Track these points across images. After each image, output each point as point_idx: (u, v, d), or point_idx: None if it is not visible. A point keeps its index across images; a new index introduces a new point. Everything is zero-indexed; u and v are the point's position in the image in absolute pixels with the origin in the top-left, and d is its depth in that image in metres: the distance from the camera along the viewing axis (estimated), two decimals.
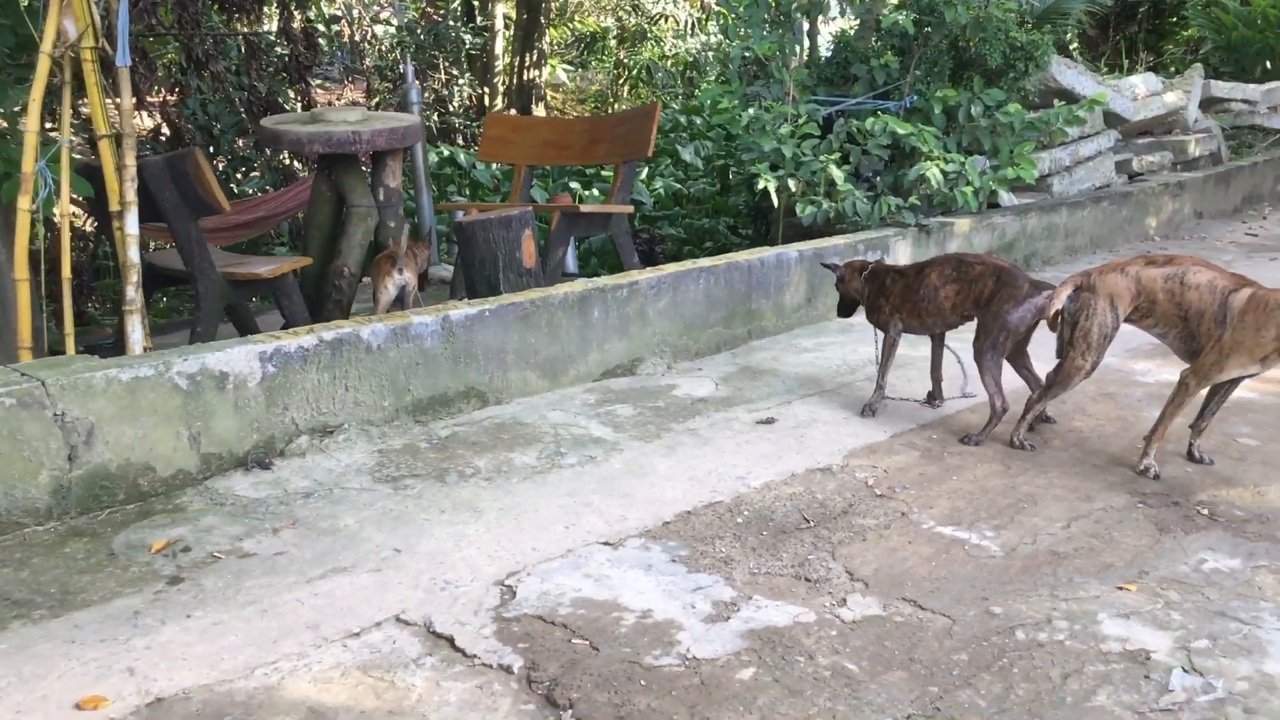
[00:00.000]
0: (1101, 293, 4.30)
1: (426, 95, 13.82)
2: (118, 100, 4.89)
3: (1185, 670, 2.99)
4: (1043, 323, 4.53)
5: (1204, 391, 4.33)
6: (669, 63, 17.69)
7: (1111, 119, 9.60)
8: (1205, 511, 4.01)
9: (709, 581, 3.47)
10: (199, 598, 3.34)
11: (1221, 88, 11.92)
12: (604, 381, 5.46)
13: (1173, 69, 14.05)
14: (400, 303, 5.79)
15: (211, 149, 9.41)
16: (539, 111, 15.19)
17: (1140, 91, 10.27)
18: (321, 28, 13.25)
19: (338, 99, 15.69)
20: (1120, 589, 3.43)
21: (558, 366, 5.32)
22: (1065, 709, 2.82)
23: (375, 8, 15.24)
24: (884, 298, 4.98)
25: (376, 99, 14.49)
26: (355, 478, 4.27)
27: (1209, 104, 11.82)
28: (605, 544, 3.73)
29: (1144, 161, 10.18)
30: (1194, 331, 4.17)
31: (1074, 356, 4.39)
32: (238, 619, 3.22)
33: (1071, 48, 14.37)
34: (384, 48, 15.62)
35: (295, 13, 10.01)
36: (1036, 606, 3.32)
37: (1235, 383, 4.30)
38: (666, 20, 18.38)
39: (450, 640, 3.12)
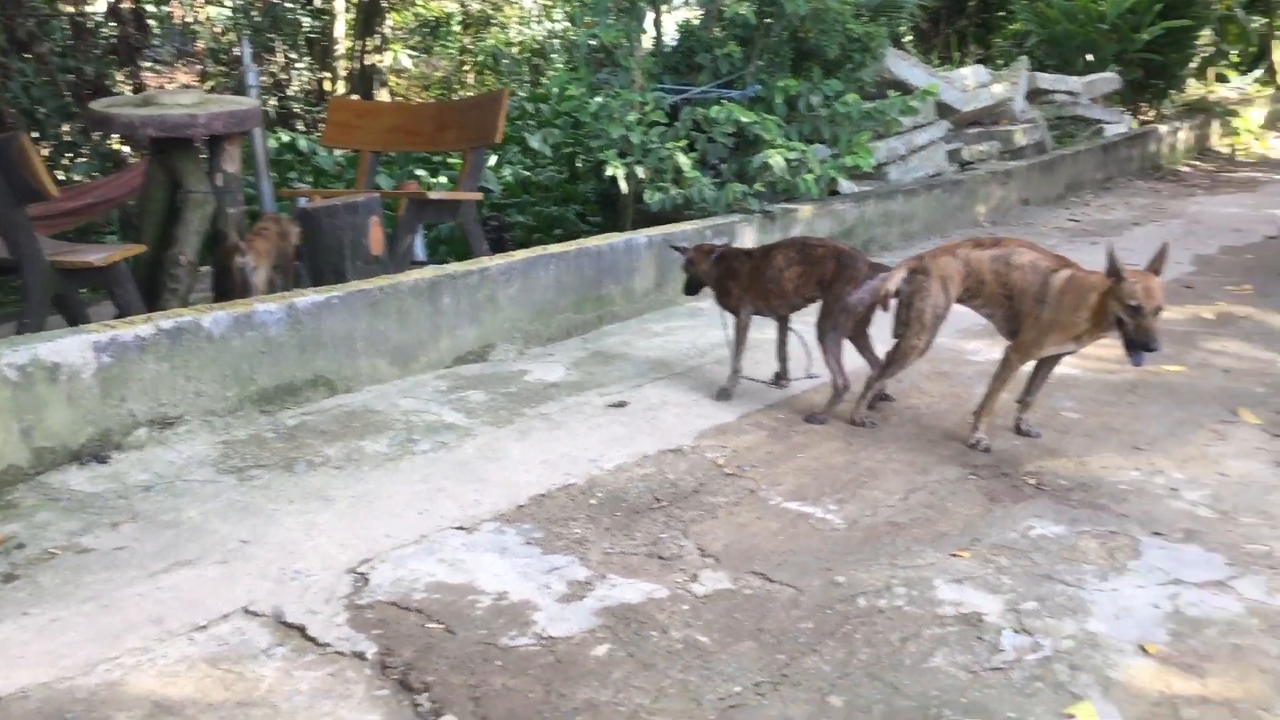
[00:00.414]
0: (934, 274, 4.49)
1: (265, 79, 13.43)
2: None
3: (1015, 631, 3.16)
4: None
5: (1029, 368, 4.56)
6: (515, 49, 17.59)
7: (943, 109, 9.98)
8: (1032, 481, 4.23)
9: (564, 562, 3.52)
10: (35, 595, 3.22)
11: (1046, 80, 12.49)
12: (456, 368, 5.44)
13: (1000, 62, 14.64)
14: (247, 286, 5.62)
15: (36, 134, 8.97)
16: (382, 97, 14.93)
17: (970, 83, 10.70)
18: (151, 8, 12.75)
19: (169, 83, 15.12)
20: (954, 556, 3.60)
21: (408, 353, 5.28)
22: (904, 671, 2.95)
23: None
24: (733, 281, 5.09)
25: (211, 83, 14.01)
26: (198, 470, 4.16)
27: (1034, 95, 12.37)
28: (459, 529, 3.74)
29: (974, 151, 10.61)
30: (1017, 311, 4.39)
31: (909, 336, 4.57)
32: (77, 615, 3.12)
33: (905, 40, 14.83)
34: (217, 30, 15.11)
35: None
36: (877, 575, 3.47)
37: (1056, 360, 4.54)
38: (512, 6, 18.26)
39: (301, 630, 3.09)
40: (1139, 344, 3.88)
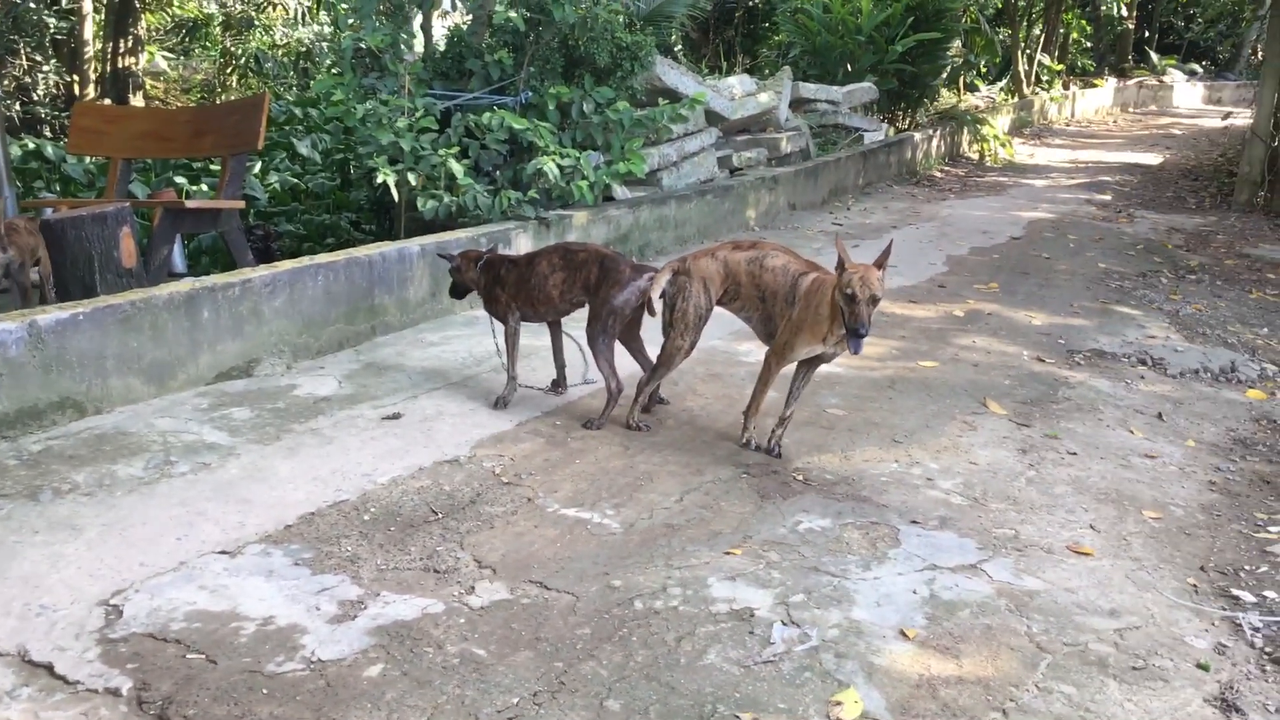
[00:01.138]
0: (695, 276, 4.59)
1: (6, 83, 12.54)
2: None
3: (784, 623, 3.26)
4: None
5: (791, 372, 4.68)
6: (280, 52, 17.02)
7: (713, 117, 10.24)
8: (800, 478, 4.38)
9: (334, 582, 3.41)
10: None
11: (809, 89, 13.00)
12: (218, 384, 5.20)
13: (766, 71, 15.14)
14: (10, 279, 5.24)
15: None
16: (138, 101, 14.17)
17: (737, 92, 11.01)
18: None
19: None
20: (728, 554, 3.68)
21: (165, 371, 5.01)
22: (680, 670, 3.00)
23: None
24: (500, 287, 5.05)
25: None
26: None
27: (798, 104, 12.86)
28: (222, 553, 3.57)
29: (743, 157, 10.93)
30: (771, 313, 4.52)
31: (674, 337, 4.66)
32: None
33: (676, 49, 15.16)
34: None
35: None
36: (653, 576, 3.51)
37: (812, 368, 4.64)
38: (275, 8, 17.66)
39: (49, 668, 2.89)
40: (851, 329, 4.04)
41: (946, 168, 15.33)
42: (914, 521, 3.99)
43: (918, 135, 14.80)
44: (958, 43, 17.82)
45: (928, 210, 11.74)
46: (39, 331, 4.49)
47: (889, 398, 5.39)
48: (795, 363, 4.56)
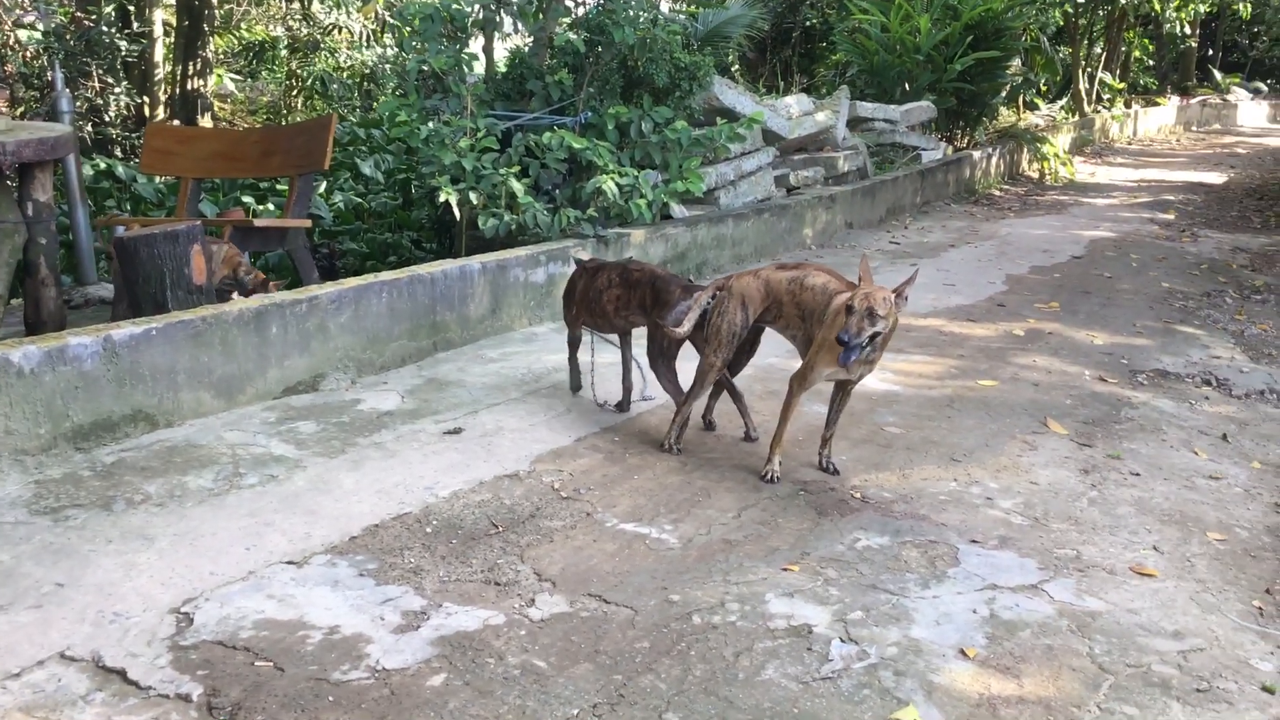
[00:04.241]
0: (735, 294, 4.61)
1: (80, 104, 12.87)
2: None
3: (843, 640, 3.27)
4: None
5: (831, 396, 4.64)
6: (344, 74, 17.31)
7: (770, 137, 10.27)
8: (858, 495, 4.38)
9: (398, 593, 3.47)
10: None
11: (866, 108, 12.98)
12: (285, 399, 5.31)
13: (823, 90, 15.14)
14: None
15: None
16: (206, 122, 14.48)
17: (794, 111, 11.04)
18: None
19: None
20: (785, 570, 3.70)
21: (234, 385, 5.12)
22: (738, 685, 3.02)
23: (18, 11, 14.05)
24: (572, 294, 5.16)
25: (22, 108, 13.36)
26: (9, 511, 3.95)
27: (855, 123, 12.85)
28: (289, 563, 3.65)
29: (800, 176, 10.94)
30: (811, 333, 4.49)
31: (706, 354, 4.68)
32: None
33: (733, 69, 15.21)
34: (28, 54, 14.41)
35: None
36: (711, 591, 3.54)
37: (847, 390, 4.58)
38: (340, 31, 17.98)
39: (122, 673, 2.97)
40: (838, 338, 4.05)
41: (1006, 186, 15.22)
42: (973, 541, 3.98)
43: (976, 154, 14.71)
44: (1017, 61, 17.68)
45: (987, 229, 11.66)
46: (114, 346, 4.62)
47: (948, 416, 5.37)
48: (816, 385, 4.52)
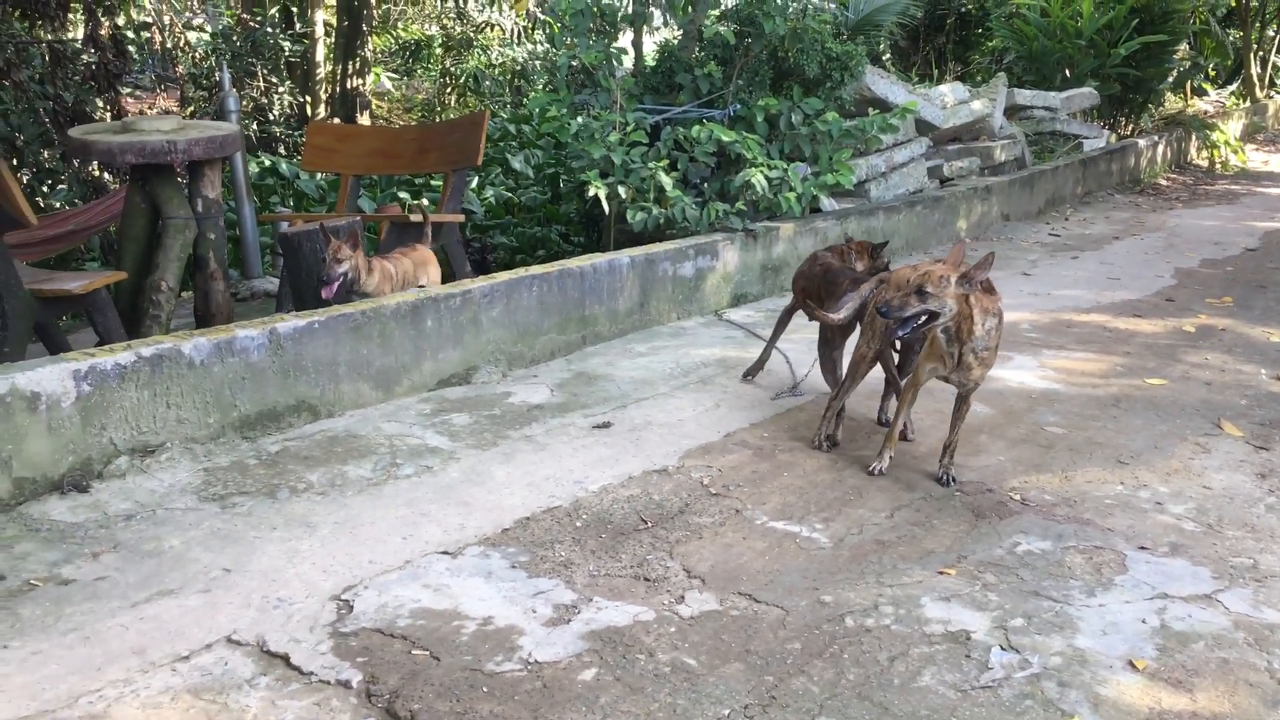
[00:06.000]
0: (892, 285, 4.48)
1: (245, 104, 13.42)
2: None
3: (1003, 648, 3.16)
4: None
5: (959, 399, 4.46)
6: (496, 71, 17.62)
7: (923, 127, 10.02)
8: (1017, 497, 4.23)
9: (549, 585, 3.49)
10: (16, 627, 3.18)
11: (1024, 95, 12.56)
12: (439, 391, 5.42)
13: (979, 78, 14.71)
14: (343, 289, 5.47)
15: (15, 161, 8.91)
16: (364, 120, 14.92)
17: (949, 100, 10.75)
18: (131, 35, 12.71)
19: (149, 108, 15.09)
20: (941, 573, 3.60)
21: (391, 377, 5.25)
22: (893, 690, 2.94)
23: (187, 14, 14.71)
24: (796, 281, 5.33)
25: (192, 108, 14.00)
26: (180, 498, 4.12)
27: (1013, 111, 12.44)
28: (444, 553, 3.71)
29: (954, 167, 10.65)
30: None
31: (859, 345, 4.58)
32: (59, 647, 3.08)
33: (884, 58, 14.89)
34: (198, 55, 15.10)
35: (103, 19, 9.56)
36: (864, 593, 3.46)
37: (964, 400, 4.39)
38: (492, 29, 18.31)
39: (285, 658, 3.06)
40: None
41: (1173, 175, 14.54)
42: (1142, 547, 3.80)
43: (1141, 142, 14.09)
44: (1185, 45, 16.87)
45: (1153, 220, 11.17)
46: (278, 338, 4.78)
47: (1113, 416, 5.14)
48: (926, 383, 4.41)
